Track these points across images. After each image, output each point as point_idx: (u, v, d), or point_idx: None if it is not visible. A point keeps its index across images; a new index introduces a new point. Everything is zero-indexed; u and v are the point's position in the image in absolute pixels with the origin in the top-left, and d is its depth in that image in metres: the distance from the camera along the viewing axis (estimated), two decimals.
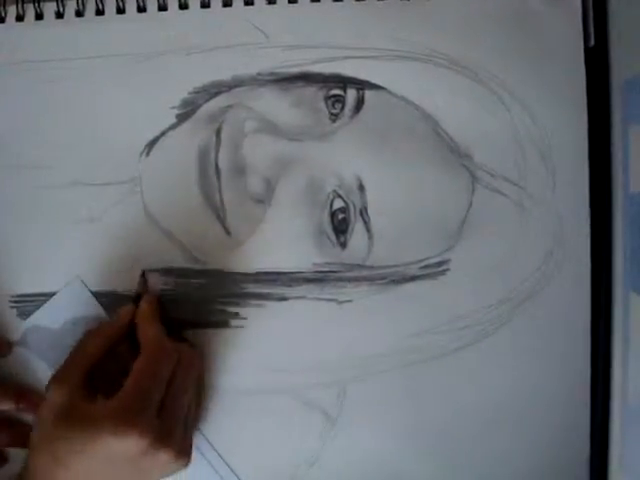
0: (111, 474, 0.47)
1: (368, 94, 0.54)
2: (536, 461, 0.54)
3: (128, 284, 0.54)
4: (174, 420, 0.48)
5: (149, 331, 0.51)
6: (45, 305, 0.54)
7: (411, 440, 0.54)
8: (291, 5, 0.55)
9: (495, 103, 0.54)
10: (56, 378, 0.49)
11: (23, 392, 0.54)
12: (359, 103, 0.54)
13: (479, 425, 0.54)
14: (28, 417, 0.54)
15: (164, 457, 0.47)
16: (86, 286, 0.54)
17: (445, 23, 0.54)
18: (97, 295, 0.54)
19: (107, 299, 0.54)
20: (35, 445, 0.47)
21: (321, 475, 0.55)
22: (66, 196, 0.54)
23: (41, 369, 0.54)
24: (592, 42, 0.54)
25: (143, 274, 0.54)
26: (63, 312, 0.54)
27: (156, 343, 0.50)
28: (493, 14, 0.54)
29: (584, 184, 0.54)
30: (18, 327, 0.54)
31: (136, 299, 0.53)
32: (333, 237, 0.54)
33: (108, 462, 0.46)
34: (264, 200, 0.53)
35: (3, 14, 0.55)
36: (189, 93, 0.54)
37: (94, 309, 0.54)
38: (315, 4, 0.54)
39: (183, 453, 0.49)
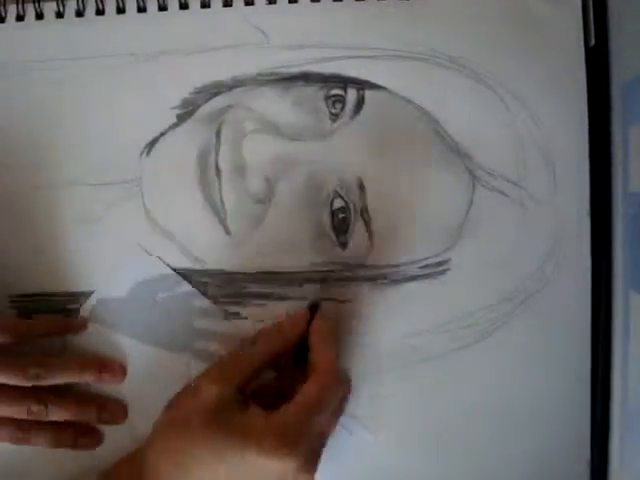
0: None
1: (368, 94, 0.54)
2: (536, 461, 0.54)
3: None
4: (320, 443, 0.48)
5: (326, 355, 0.49)
6: (108, 276, 0.54)
7: (410, 440, 0.54)
8: (291, 5, 0.55)
9: (495, 103, 0.54)
10: (213, 375, 0.49)
11: (104, 362, 0.54)
12: (359, 103, 0.54)
13: (479, 425, 0.54)
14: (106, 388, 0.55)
15: (302, 478, 0.46)
16: (144, 248, 0.54)
17: (445, 23, 0.54)
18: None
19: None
20: (159, 443, 0.47)
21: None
22: (66, 196, 0.54)
23: (115, 341, 0.54)
24: (592, 42, 0.54)
25: (323, 279, 0.54)
26: (127, 279, 0.54)
27: (332, 371, 0.48)
28: (493, 14, 0.54)
29: (584, 184, 0.54)
30: (85, 304, 0.54)
31: (312, 308, 0.53)
32: (333, 237, 0.54)
33: (245, 474, 0.45)
34: (264, 200, 0.53)
35: (3, 14, 0.55)
36: (189, 93, 0.54)
37: (158, 269, 0.54)
38: (315, 4, 0.54)
39: (315, 472, 0.48)
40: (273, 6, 0.55)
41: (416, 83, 0.54)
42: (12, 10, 0.55)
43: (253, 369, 0.49)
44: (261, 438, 0.45)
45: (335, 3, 0.54)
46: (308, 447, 0.46)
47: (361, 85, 0.54)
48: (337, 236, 0.54)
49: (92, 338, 0.54)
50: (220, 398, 0.47)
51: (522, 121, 0.54)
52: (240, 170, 0.53)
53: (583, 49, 0.54)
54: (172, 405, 0.49)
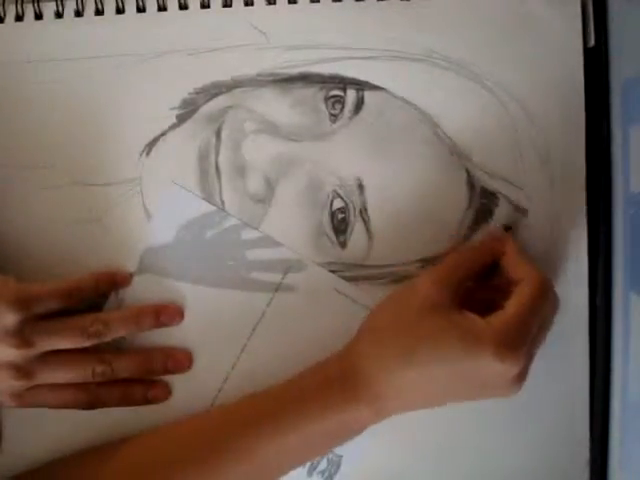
0: (455, 387, 0.47)
1: (368, 95, 0.54)
2: (536, 461, 0.55)
3: None
4: (533, 354, 0.48)
5: (531, 264, 0.50)
6: (150, 224, 0.54)
7: (409, 439, 0.54)
8: (291, 5, 0.54)
9: (494, 104, 0.54)
10: (434, 273, 0.49)
11: (159, 306, 0.53)
12: (359, 104, 0.54)
13: (478, 425, 0.54)
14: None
15: (515, 388, 0.47)
16: (183, 187, 0.54)
17: (445, 24, 0.54)
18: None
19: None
20: (370, 345, 0.48)
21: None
22: (66, 196, 0.54)
23: (170, 287, 0.54)
24: (592, 42, 0.54)
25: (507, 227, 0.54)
26: (172, 223, 0.54)
27: (542, 279, 0.49)
28: (492, 15, 0.54)
29: (582, 184, 0.54)
30: (133, 255, 0.54)
31: (507, 229, 0.54)
32: (333, 237, 0.54)
33: (464, 373, 0.46)
34: (264, 200, 0.54)
35: (2, 14, 0.55)
36: (189, 94, 0.54)
37: (201, 206, 0.54)
38: (315, 4, 0.54)
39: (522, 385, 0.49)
40: (273, 7, 0.55)
41: (415, 84, 0.54)
42: (11, 10, 0.55)
43: (467, 275, 0.50)
44: (484, 339, 0.46)
45: (335, 4, 0.54)
46: (527, 354, 0.47)
47: (360, 86, 0.54)
48: (337, 236, 0.54)
49: (146, 288, 0.54)
50: (439, 297, 0.48)
51: (520, 122, 0.54)
52: (240, 170, 0.53)
53: (582, 49, 0.54)
54: (382, 308, 0.50)
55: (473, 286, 0.51)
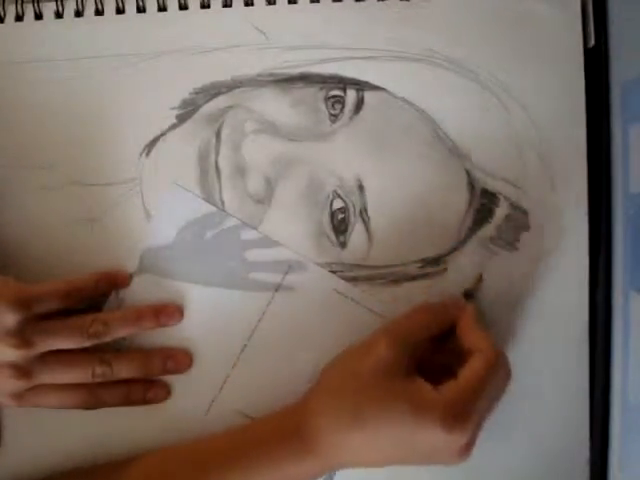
0: (401, 452, 0.47)
1: (368, 95, 0.54)
2: (536, 461, 0.54)
3: None
4: (481, 425, 0.48)
5: (486, 335, 0.50)
6: (150, 224, 0.54)
7: None
8: (291, 5, 0.55)
9: (494, 104, 0.54)
10: (390, 334, 0.49)
11: (159, 306, 0.53)
12: (359, 104, 0.54)
13: None
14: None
15: (462, 458, 0.48)
16: (183, 187, 0.54)
17: (444, 24, 0.54)
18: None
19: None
20: (321, 404, 0.48)
21: None
22: (66, 196, 0.54)
23: (170, 287, 0.54)
24: (592, 42, 0.54)
25: (480, 276, 0.54)
26: (171, 223, 0.54)
27: (496, 353, 0.49)
28: (492, 15, 0.54)
29: (582, 184, 0.54)
30: (132, 256, 0.54)
31: (467, 296, 0.53)
32: (333, 237, 0.54)
33: (408, 441, 0.46)
34: (264, 200, 0.54)
35: (2, 14, 0.55)
36: (189, 94, 0.54)
37: (201, 207, 0.54)
38: (315, 4, 0.54)
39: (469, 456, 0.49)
40: (273, 7, 0.55)
41: (415, 84, 0.54)
42: (11, 10, 0.55)
43: (423, 338, 0.50)
44: (433, 409, 0.46)
45: (335, 4, 0.55)
46: (475, 426, 0.47)
47: (360, 86, 0.54)
48: (336, 236, 0.54)
49: (146, 288, 0.54)
50: (393, 361, 0.48)
51: (520, 122, 0.54)
52: (240, 170, 0.53)
53: (582, 49, 0.54)
54: (337, 364, 0.50)
55: (429, 348, 0.51)
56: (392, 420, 0.46)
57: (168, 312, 0.53)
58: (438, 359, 0.50)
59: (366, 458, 0.48)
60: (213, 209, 0.54)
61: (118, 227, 0.54)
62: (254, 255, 0.54)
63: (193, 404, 0.54)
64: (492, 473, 0.55)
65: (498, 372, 0.48)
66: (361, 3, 0.54)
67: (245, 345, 0.54)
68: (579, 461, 0.54)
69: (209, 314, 0.54)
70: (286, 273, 0.54)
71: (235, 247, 0.54)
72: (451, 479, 0.55)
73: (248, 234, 0.54)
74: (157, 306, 0.53)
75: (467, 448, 0.47)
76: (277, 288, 0.54)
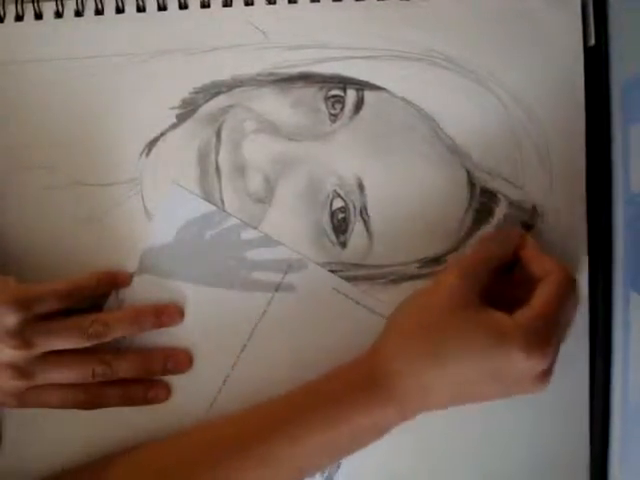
0: (482, 386, 0.47)
1: (368, 94, 0.54)
2: (536, 460, 0.54)
3: None
4: (558, 351, 0.48)
5: (554, 260, 0.49)
6: (150, 224, 0.54)
7: (409, 439, 0.54)
8: (291, 5, 0.55)
9: (494, 103, 0.54)
10: (459, 266, 0.49)
11: (159, 307, 0.53)
12: (359, 103, 0.54)
13: (478, 425, 0.54)
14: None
15: (542, 385, 0.47)
16: (184, 188, 0.54)
17: (444, 23, 0.54)
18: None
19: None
20: (395, 346, 0.48)
21: None
22: (66, 196, 0.54)
23: (170, 287, 0.54)
24: (592, 42, 0.54)
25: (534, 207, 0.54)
26: (172, 223, 0.54)
27: (568, 274, 0.48)
28: (492, 14, 0.54)
29: (581, 184, 0.54)
30: (133, 256, 0.54)
31: (526, 227, 0.53)
32: (333, 237, 0.54)
33: (490, 373, 0.46)
34: (264, 200, 0.54)
35: (2, 14, 0.55)
36: (189, 93, 0.54)
37: (201, 207, 0.54)
38: (315, 4, 0.54)
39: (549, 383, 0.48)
40: (273, 6, 0.55)
41: (415, 84, 0.54)
42: (11, 10, 0.55)
43: (490, 269, 0.49)
44: (511, 336, 0.45)
45: (335, 3, 0.54)
46: (554, 350, 0.46)
47: (360, 86, 0.54)
48: (337, 236, 0.54)
49: (146, 289, 0.54)
50: (466, 292, 0.47)
51: (520, 121, 0.54)
52: (240, 170, 0.53)
53: (582, 49, 0.54)
54: (407, 305, 0.50)
55: (496, 280, 0.50)
56: (473, 352, 0.46)
57: (168, 313, 0.53)
58: (506, 291, 0.50)
59: (447, 397, 0.48)
60: (213, 208, 0.54)
61: (118, 227, 0.54)
62: (254, 255, 0.54)
63: (193, 404, 0.54)
64: (492, 473, 0.55)
65: (570, 295, 0.48)
66: (361, 3, 0.54)
67: (245, 345, 0.54)
68: (579, 461, 0.54)
69: (209, 314, 0.54)
70: (286, 272, 0.54)
71: (235, 247, 0.54)
72: (452, 479, 0.55)
73: (248, 234, 0.54)
74: (157, 306, 0.53)
75: (546, 374, 0.47)
76: (277, 288, 0.54)
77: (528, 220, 0.54)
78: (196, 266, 0.54)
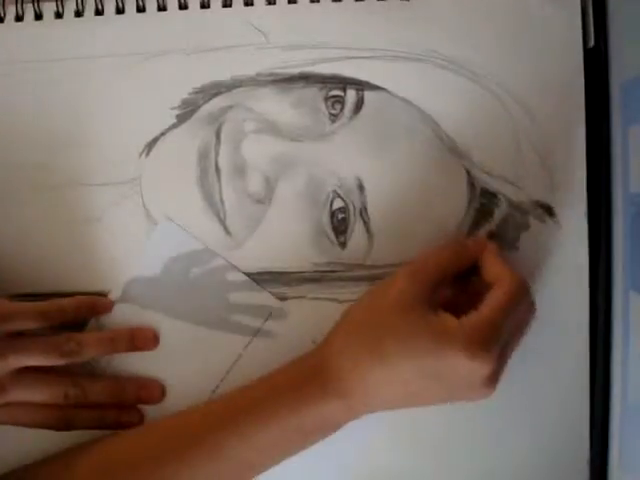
0: (425, 386, 0.47)
1: (368, 95, 0.54)
2: (536, 461, 0.54)
3: None
4: (506, 358, 0.48)
5: (506, 266, 0.49)
6: (140, 255, 0.54)
7: (408, 437, 0.54)
8: (291, 5, 0.55)
9: (494, 104, 0.54)
10: (411, 269, 0.49)
11: (135, 330, 0.53)
12: (359, 104, 0.54)
13: (478, 424, 0.54)
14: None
15: (486, 391, 0.47)
16: (177, 224, 0.54)
17: (445, 23, 0.54)
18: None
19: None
20: (342, 343, 0.48)
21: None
22: (66, 196, 0.54)
23: (149, 319, 0.54)
24: (592, 42, 0.54)
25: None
26: (159, 257, 0.54)
27: (517, 281, 0.48)
28: (492, 15, 0.54)
29: (582, 184, 0.54)
30: (117, 284, 0.54)
31: (491, 236, 0.53)
32: (333, 237, 0.54)
33: (433, 373, 0.46)
34: (264, 200, 0.54)
35: (2, 14, 0.55)
36: (189, 93, 0.54)
37: (191, 244, 0.54)
38: (315, 4, 0.54)
39: (494, 390, 0.48)
40: (273, 6, 0.55)
41: (415, 84, 0.54)
42: (11, 10, 0.55)
43: (443, 273, 0.49)
44: (454, 338, 0.45)
45: (335, 3, 0.55)
46: (499, 356, 0.46)
47: (360, 86, 0.54)
48: (336, 236, 0.54)
49: (126, 318, 0.54)
50: (414, 295, 0.47)
51: (520, 121, 0.54)
52: (240, 170, 0.53)
53: (582, 50, 0.54)
54: (358, 302, 0.50)
55: (451, 289, 0.51)
56: (414, 351, 0.46)
57: (143, 337, 0.53)
58: (462, 298, 0.50)
59: (390, 397, 0.48)
60: (202, 246, 0.54)
61: (117, 227, 0.54)
62: (237, 297, 0.54)
63: None
64: (492, 473, 0.55)
65: (520, 301, 0.48)
66: (361, 3, 0.54)
67: (217, 386, 0.54)
68: (579, 461, 0.54)
69: (185, 351, 0.54)
70: (266, 319, 0.54)
71: (219, 287, 0.54)
72: (453, 479, 0.55)
73: (234, 275, 0.54)
74: (133, 330, 0.53)
75: (491, 380, 0.47)
76: (256, 333, 0.54)
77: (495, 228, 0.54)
78: (178, 301, 0.54)
